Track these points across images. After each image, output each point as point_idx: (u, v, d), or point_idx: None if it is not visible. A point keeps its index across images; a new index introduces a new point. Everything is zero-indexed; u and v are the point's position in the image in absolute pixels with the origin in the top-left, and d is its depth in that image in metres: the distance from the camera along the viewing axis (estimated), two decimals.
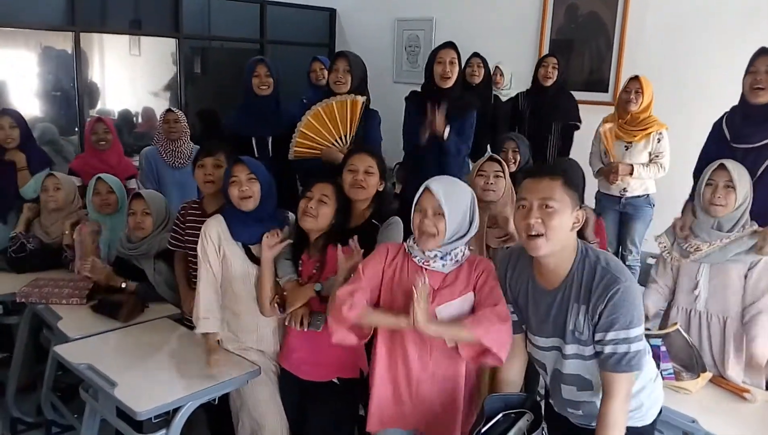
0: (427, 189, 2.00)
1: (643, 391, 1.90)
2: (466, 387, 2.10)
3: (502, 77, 4.96)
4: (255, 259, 2.48)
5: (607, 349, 1.74)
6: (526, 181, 1.83)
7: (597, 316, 1.75)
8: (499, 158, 2.77)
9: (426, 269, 2.02)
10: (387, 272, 2.08)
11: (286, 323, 2.40)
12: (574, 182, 1.81)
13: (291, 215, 2.55)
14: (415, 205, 2.02)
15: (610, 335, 1.73)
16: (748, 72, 2.76)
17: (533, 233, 1.75)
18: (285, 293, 2.37)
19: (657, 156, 3.95)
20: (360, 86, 3.30)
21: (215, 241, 2.46)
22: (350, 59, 3.27)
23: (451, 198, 1.99)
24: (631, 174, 3.91)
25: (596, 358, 1.80)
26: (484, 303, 1.97)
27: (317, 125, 3.23)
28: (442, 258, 2.01)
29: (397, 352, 2.09)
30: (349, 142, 3.22)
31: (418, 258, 2.03)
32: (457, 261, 2.04)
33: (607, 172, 3.98)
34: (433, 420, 2.10)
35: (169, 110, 3.96)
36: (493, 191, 2.69)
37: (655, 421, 1.98)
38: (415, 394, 2.09)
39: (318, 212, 2.31)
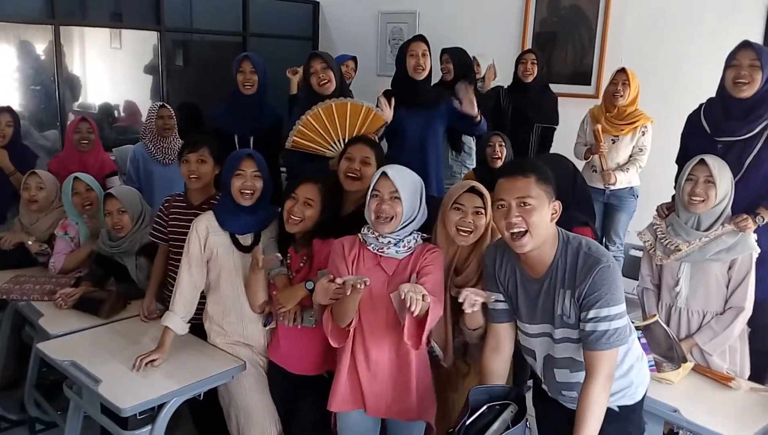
0: (383, 174, 2.09)
1: (632, 370, 1.95)
2: (418, 374, 2.15)
3: (495, 76, 4.80)
4: (242, 248, 2.50)
5: (588, 327, 1.78)
6: (500, 181, 1.86)
7: (581, 298, 1.79)
8: (483, 190, 2.14)
9: (381, 256, 2.11)
10: (348, 265, 2.14)
11: (279, 321, 2.40)
12: (546, 175, 1.85)
13: (279, 210, 2.55)
14: (372, 190, 2.10)
15: (591, 313, 1.78)
16: (729, 65, 2.64)
17: (516, 231, 1.80)
18: (275, 293, 2.38)
19: (640, 150, 4.00)
20: (343, 83, 3.25)
21: (202, 235, 2.47)
22: (324, 56, 3.19)
23: (405, 181, 2.10)
24: (614, 183, 3.96)
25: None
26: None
27: (324, 119, 3.01)
28: (395, 244, 2.10)
29: (356, 339, 2.14)
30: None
31: (372, 246, 2.12)
32: (410, 247, 2.12)
33: (593, 151, 3.98)
34: (390, 404, 2.16)
35: (162, 106, 3.91)
36: (470, 232, 2.11)
37: (643, 398, 2.03)
38: (373, 380, 2.15)
39: (303, 215, 2.33)
